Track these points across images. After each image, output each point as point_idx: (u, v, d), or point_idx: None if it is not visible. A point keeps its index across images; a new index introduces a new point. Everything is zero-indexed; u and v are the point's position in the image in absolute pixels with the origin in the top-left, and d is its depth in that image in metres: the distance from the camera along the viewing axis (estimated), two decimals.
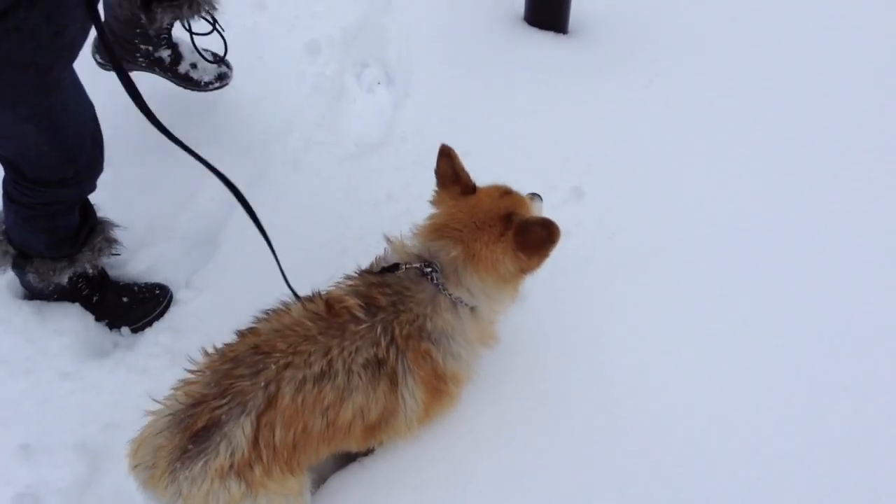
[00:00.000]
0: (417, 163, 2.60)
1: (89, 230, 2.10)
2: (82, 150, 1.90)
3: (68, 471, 1.90)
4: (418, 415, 1.78)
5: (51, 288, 2.13)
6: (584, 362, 2.07)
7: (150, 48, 2.45)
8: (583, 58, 3.03)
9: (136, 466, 1.59)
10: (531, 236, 1.67)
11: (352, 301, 1.68)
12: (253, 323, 1.71)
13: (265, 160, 2.65)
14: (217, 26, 2.36)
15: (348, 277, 1.79)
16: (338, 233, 2.41)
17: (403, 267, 1.73)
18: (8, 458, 1.91)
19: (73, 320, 2.19)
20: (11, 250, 2.05)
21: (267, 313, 1.72)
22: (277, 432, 1.56)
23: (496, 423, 1.96)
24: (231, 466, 1.52)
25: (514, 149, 2.54)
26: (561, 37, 3.15)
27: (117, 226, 2.20)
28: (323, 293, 1.74)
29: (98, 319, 2.26)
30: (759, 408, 1.98)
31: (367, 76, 3.02)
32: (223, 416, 1.53)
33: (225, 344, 1.68)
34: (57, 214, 1.99)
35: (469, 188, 1.80)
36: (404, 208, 2.38)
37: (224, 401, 1.54)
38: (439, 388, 1.78)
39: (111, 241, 2.16)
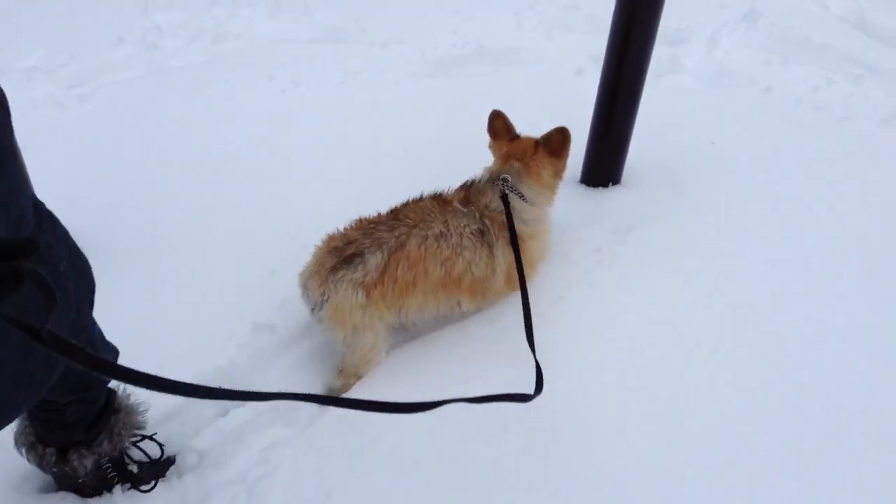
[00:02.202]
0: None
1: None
2: None
3: None
4: (508, 270, 2.49)
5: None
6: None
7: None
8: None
9: (306, 272, 2.34)
10: (553, 141, 2.48)
11: (455, 198, 2.50)
12: (397, 205, 2.45)
13: None
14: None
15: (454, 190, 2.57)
16: None
17: (478, 180, 2.55)
18: None
19: None
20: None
21: (407, 201, 2.47)
22: (401, 268, 2.26)
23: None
24: (361, 282, 2.23)
25: None
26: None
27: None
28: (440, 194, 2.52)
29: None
30: None
31: None
32: (365, 250, 2.26)
33: (375, 215, 2.42)
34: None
35: (515, 136, 2.60)
36: None
37: (367, 241, 2.28)
38: (521, 246, 2.46)
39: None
